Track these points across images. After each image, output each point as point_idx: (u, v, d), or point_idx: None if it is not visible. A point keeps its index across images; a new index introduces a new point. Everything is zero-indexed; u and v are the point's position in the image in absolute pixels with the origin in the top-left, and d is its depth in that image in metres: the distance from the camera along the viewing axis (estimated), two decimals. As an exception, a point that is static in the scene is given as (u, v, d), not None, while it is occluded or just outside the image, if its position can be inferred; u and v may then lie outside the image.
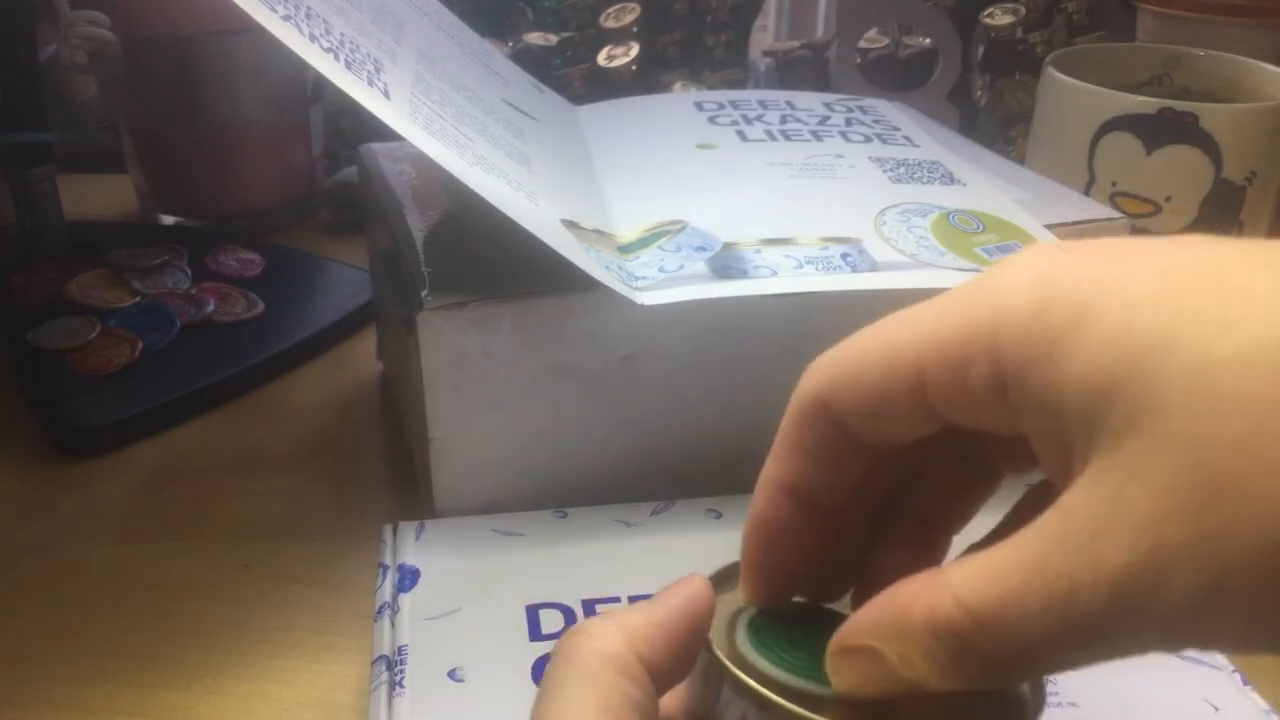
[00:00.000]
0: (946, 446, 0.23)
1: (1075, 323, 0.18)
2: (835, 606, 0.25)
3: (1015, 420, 0.20)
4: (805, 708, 0.20)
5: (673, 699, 0.24)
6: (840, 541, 0.24)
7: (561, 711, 0.21)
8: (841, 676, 0.21)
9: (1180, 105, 0.53)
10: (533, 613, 0.35)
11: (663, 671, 0.22)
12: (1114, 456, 0.17)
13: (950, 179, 0.46)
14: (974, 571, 0.19)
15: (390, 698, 0.32)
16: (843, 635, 0.21)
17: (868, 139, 0.50)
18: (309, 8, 0.37)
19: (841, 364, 0.22)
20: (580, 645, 0.22)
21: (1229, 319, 0.17)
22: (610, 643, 0.22)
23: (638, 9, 0.78)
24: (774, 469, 0.24)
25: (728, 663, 0.22)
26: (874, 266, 0.39)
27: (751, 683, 0.21)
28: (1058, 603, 0.17)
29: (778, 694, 0.21)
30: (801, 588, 0.25)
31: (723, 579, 0.24)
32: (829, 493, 0.23)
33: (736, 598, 0.24)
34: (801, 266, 0.39)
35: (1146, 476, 0.17)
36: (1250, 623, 0.16)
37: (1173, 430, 0.17)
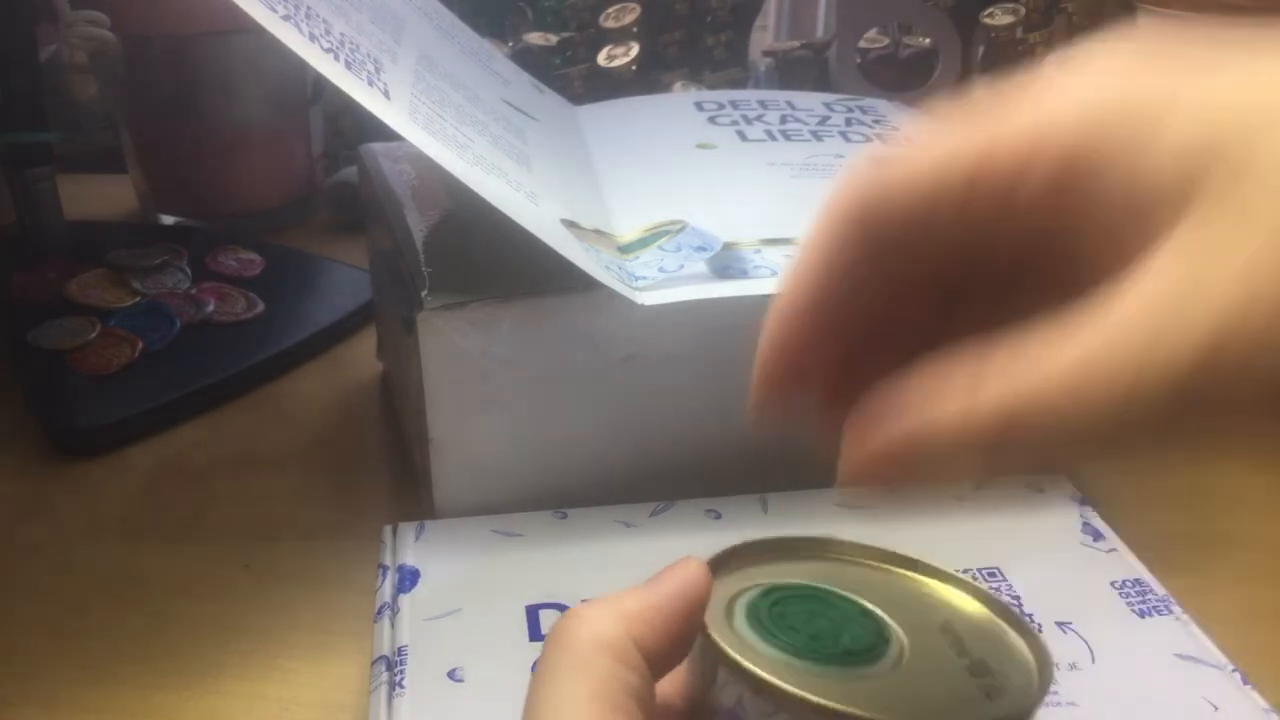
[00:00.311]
0: (972, 273, 0.22)
1: (1168, 108, 0.17)
2: (834, 588, 0.24)
3: (1073, 223, 0.19)
4: (802, 689, 0.20)
5: (671, 684, 0.23)
6: (855, 361, 0.23)
7: (554, 698, 0.21)
8: (859, 480, 0.20)
9: (1180, 105, 0.53)
10: (533, 613, 0.35)
11: (659, 655, 0.22)
12: (1222, 204, 0.16)
13: (950, 179, 0.46)
14: (1047, 349, 0.17)
15: (390, 698, 0.32)
16: (872, 437, 0.20)
17: (868, 139, 0.50)
18: (309, 8, 0.37)
19: (885, 171, 0.21)
20: (574, 630, 0.22)
21: None
22: (605, 627, 0.22)
23: (638, 9, 0.78)
24: (793, 282, 0.22)
25: (723, 644, 0.22)
26: (874, 266, 0.39)
27: (746, 664, 0.21)
28: (1161, 361, 0.16)
29: (773, 675, 0.21)
30: (812, 403, 0.23)
31: (720, 563, 0.24)
32: (846, 313, 0.22)
33: (735, 581, 0.24)
34: (801, 266, 0.39)
35: (1263, 218, 0.16)
36: None
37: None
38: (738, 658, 0.21)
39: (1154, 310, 0.17)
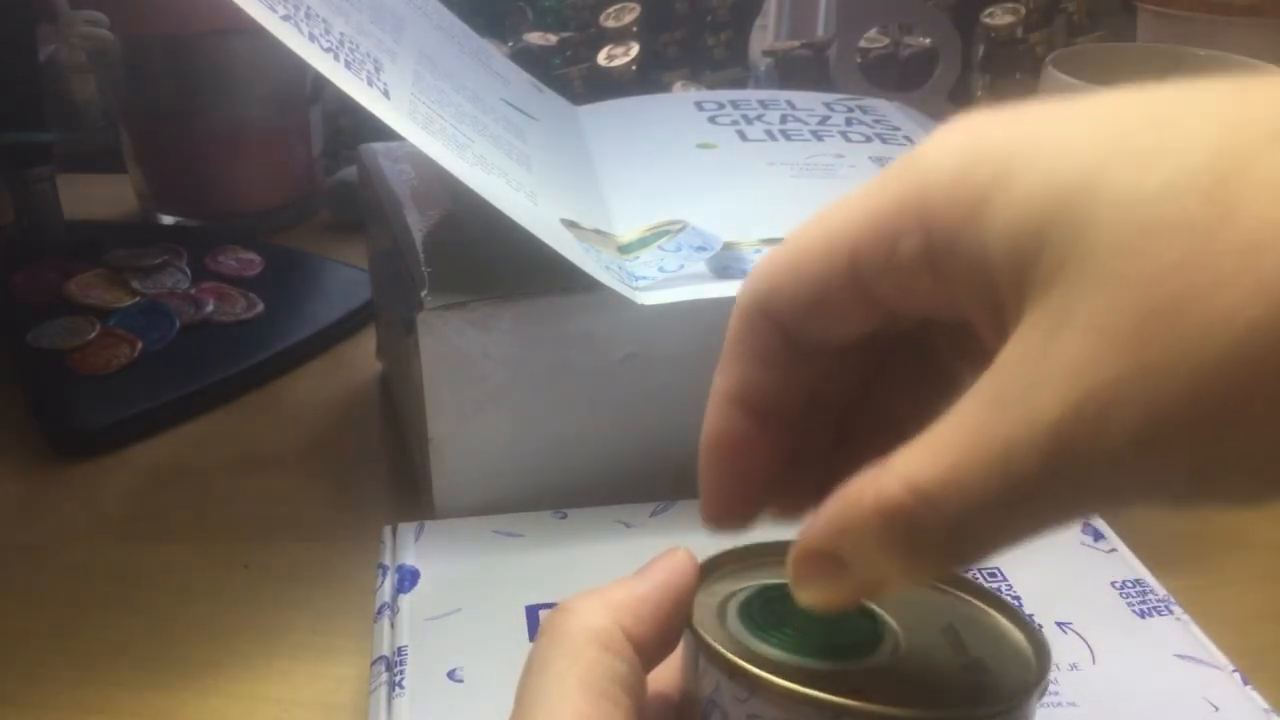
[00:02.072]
0: (899, 347, 0.23)
1: (1000, 178, 0.17)
2: None
3: (950, 294, 0.19)
4: (776, 675, 0.20)
5: (668, 680, 0.23)
6: (802, 455, 0.23)
7: (544, 686, 0.21)
8: (805, 590, 0.20)
9: (1180, 105, 0.53)
10: (532, 613, 0.35)
11: (649, 644, 0.22)
12: (1044, 305, 0.16)
13: (950, 179, 0.46)
14: (917, 451, 0.18)
15: (390, 698, 0.32)
16: (800, 542, 0.20)
17: (868, 139, 0.50)
18: (309, 7, 0.37)
19: (777, 261, 0.21)
20: (564, 622, 0.22)
21: (1157, 152, 0.16)
22: (593, 618, 0.22)
23: (638, 9, 0.78)
24: (721, 381, 0.23)
25: (702, 633, 0.22)
26: (874, 266, 0.39)
27: (721, 650, 0.21)
28: (998, 466, 0.16)
29: (748, 661, 0.21)
30: (764, 506, 0.23)
31: (714, 566, 0.24)
32: (780, 401, 0.22)
33: (732, 583, 0.24)
34: (801, 266, 0.39)
35: (1078, 319, 0.16)
36: (1196, 459, 0.15)
37: (1101, 268, 0.16)
38: (714, 644, 0.21)
39: (996, 410, 0.17)
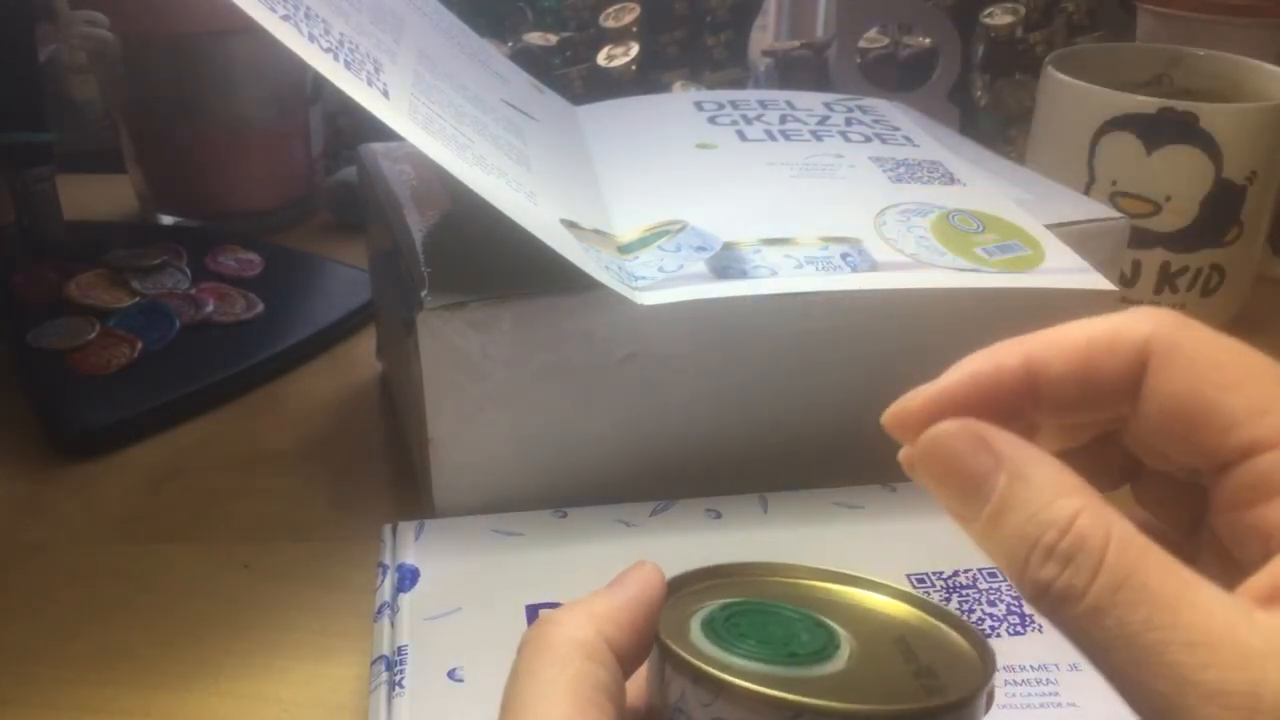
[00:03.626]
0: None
1: None
2: (790, 604, 0.25)
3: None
4: (738, 678, 0.21)
5: (634, 690, 0.24)
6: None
7: (532, 695, 0.22)
8: (924, 466, 0.21)
9: (1180, 105, 0.53)
10: (533, 613, 0.35)
11: (628, 653, 0.23)
12: None
13: (950, 179, 0.46)
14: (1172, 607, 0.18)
15: (390, 698, 0.32)
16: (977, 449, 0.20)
17: (867, 139, 0.50)
18: (308, 8, 0.37)
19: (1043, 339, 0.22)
20: (550, 633, 0.23)
21: None
22: (578, 629, 0.23)
23: (638, 9, 0.78)
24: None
25: (668, 642, 0.22)
26: (874, 266, 0.39)
27: (686, 656, 0.22)
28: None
29: (712, 666, 0.21)
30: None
31: (678, 585, 0.25)
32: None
33: (692, 600, 0.25)
34: (801, 266, 0.39)
35: None
36: None
37: None
38: (680, 652, 0.22)
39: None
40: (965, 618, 0.24)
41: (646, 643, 0.23)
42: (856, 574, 0.26)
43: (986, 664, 0.23)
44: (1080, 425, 0.23)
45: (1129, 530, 0.19)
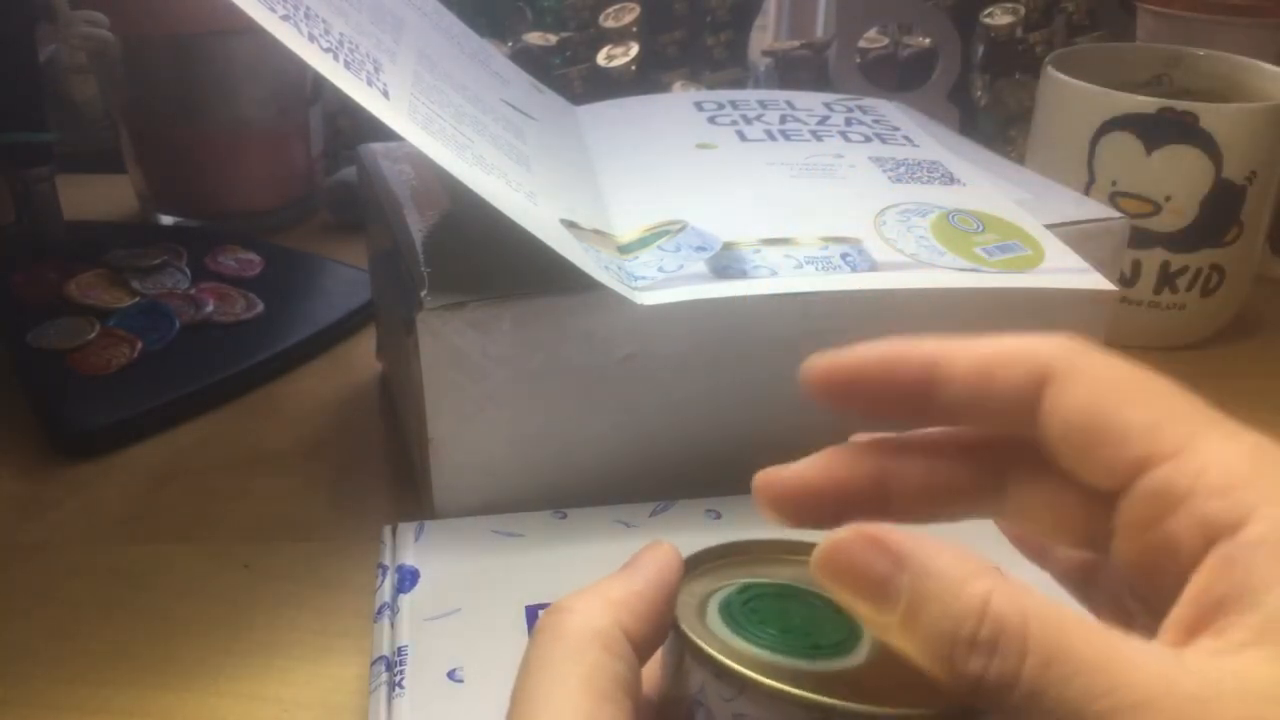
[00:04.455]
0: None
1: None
2: (810, 586, 0.24)
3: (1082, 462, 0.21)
4: (762, 674, 0.20)
5: (647, 675, 0.23)
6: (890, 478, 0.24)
7: (545, 688, 0.21)
8: (832, 579, 0.20)
9: (1180, 105, 0.53)
10: (532, 613, 0.35)
11: (644, 640, 0.22)
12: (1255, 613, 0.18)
13: (950, 179, 0.46)
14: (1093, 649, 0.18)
15: (390, 698, 0.32)
16: (865, 544, 0.20)
17: (867, 139, 0.50)
18: (308, 8, 0.37)
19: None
20: (564, 622, 0.22)
21: None
22: (594, 618, 0.22)
23: (638, 9, 0.78)
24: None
25: (688, 632, 0.22)
26: (874, 266, 0.39)
27: (708, 650, 0.21)
28: None
29: (734, 660, 0.21)
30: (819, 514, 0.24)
31: (697, 563, 0.24)
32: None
33: (711, 581, 0.24)
34: (801, 266, 0.39)
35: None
36: None
37: None
38: (700, 644, 0.21)
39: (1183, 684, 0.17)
40: None
41: (663, 628, 0.23)
42: None
43: None
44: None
45: (1042, 601, 0.19)
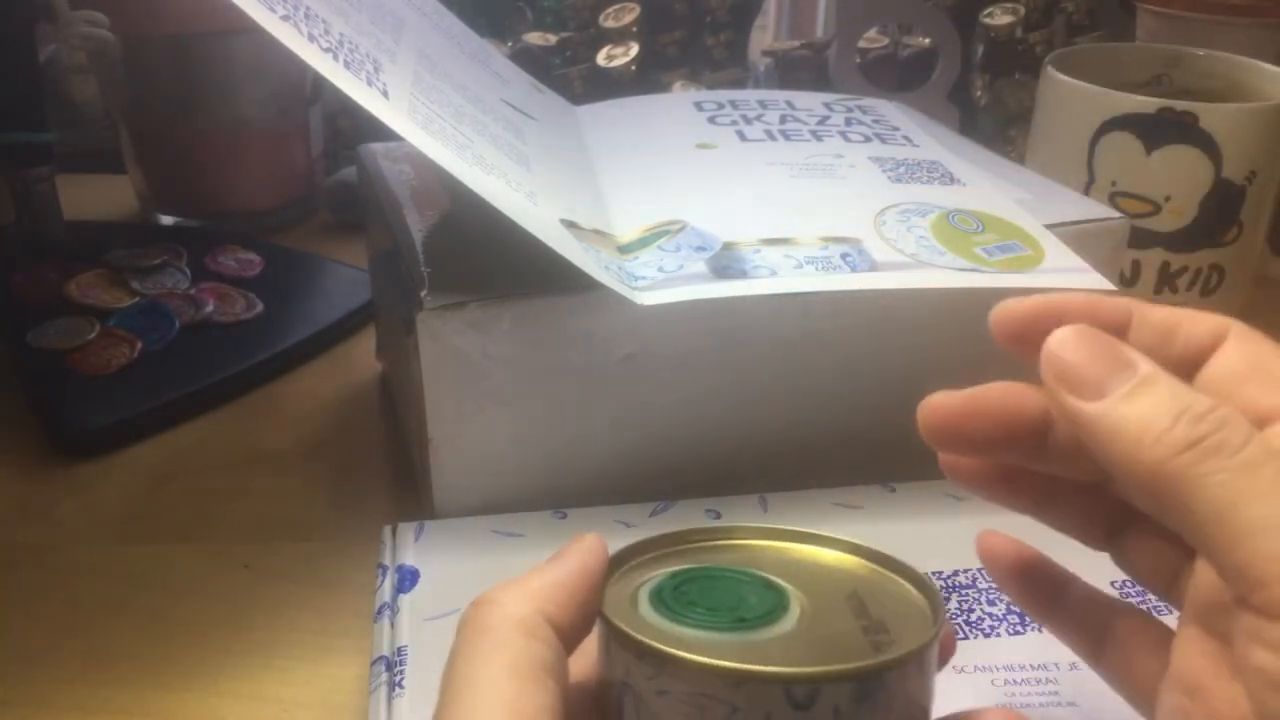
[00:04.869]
0: None
1: None
2: (738, 568, 0.25)
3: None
4: (683, 650, 0.21)
5: (583, 668, 0.24)
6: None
7: (471, 675, 0.21)
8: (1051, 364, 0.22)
9: (1180, 105, 0.53)
10: (532, 613, 0.35)
11: (569, 628, 0.23)
12: None
13: (950, 179, 0.46)
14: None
15: (390, 698, 0.32)
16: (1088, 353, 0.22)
17: (867, 139, 0.50)
18: (308, 8, 0.37)
19: None
20: (488, 613, 0.23)
21: None
22: (515, 607, 0.23)
23: (637, 9, 0.78)
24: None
25: (610, 617, 0.22)
26: (874, 266, 0.39)
27: (629, 631, 0.22)
28: None
29: (657, 640, 0.21)
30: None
31: (625, 558, 0.25)
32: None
33: (641, 572, 0.25)
34: (801, 266, 0.39)
35: None
36: None
37: None
38: (622, 626, 0.22)
39: None
40: (918, 569, 0.24)
41: (589, 617, 0.23)
42: (806, 530, 0.26)
43: (936, 615, 0.23)
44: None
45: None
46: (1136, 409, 0.21)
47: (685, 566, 0.25)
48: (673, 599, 0.23)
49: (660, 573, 0.24)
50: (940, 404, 0.25)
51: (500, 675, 0.21)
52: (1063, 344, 0.22)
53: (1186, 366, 0.23)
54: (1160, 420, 0.20)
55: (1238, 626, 0.20)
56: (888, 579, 0.24)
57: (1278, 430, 0.21)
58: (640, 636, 0.21)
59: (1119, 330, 0.24)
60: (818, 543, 0.26)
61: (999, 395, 0.25)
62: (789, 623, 0.23)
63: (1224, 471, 0.20)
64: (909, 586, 0.24)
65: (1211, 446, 0.20)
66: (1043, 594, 0.27)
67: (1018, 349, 0.24)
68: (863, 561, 0.25)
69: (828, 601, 0.23)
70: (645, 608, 0.23)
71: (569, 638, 0.23)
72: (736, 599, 0.23)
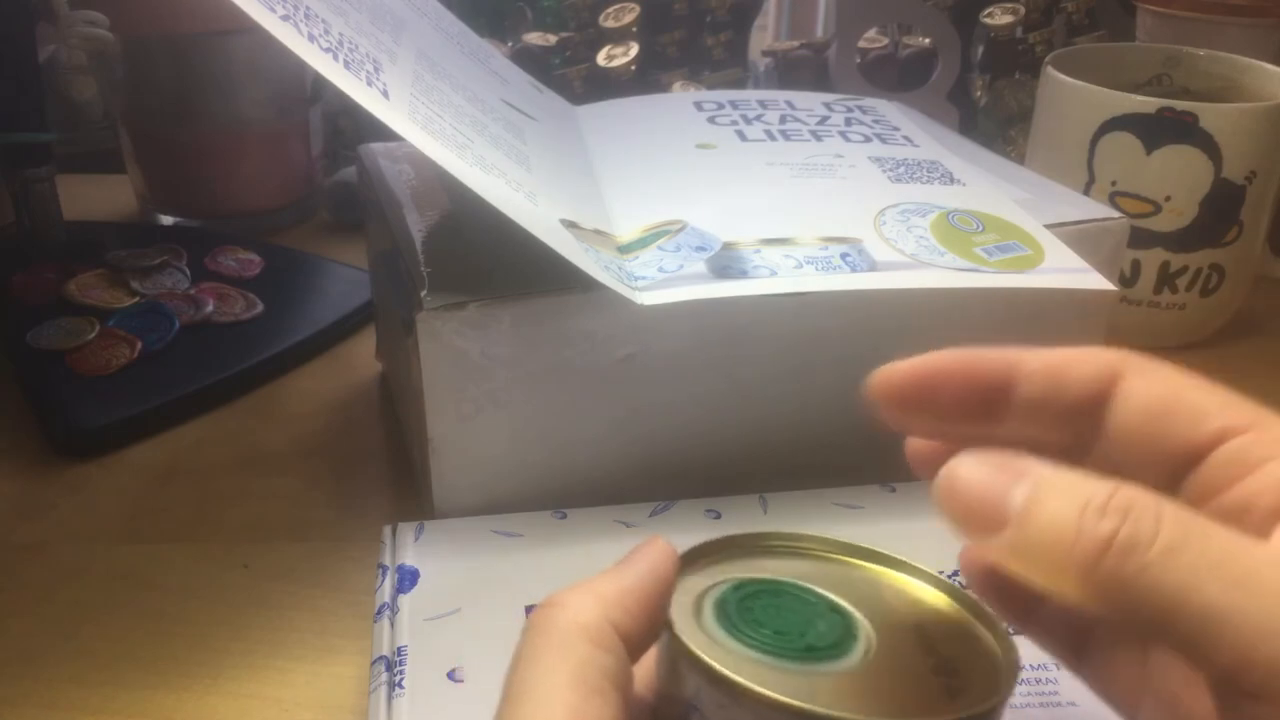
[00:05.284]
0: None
1: None
2: (805, 583, 0.24)
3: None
4: (757, 683, 0.20)
5: (642, 673, 0.23)
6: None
7: (533, 682, 0.21)
8: (952, 510, 0.21)
9: (1180, 105, 0.53)
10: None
11: (637, 636, 0.22)
12: None
13: (950, 179, 0.46)
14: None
15: (390, 698, 0.32)
16: (984, 474, 0.21)
17: (867, 139, 0.50)
18: (308, 8, 0.37)
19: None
20: (554, 617, 0.22)
21: None
22: (584, 613, 0.22)
23: (637, 9, 0.78)
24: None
25: (682, 637, 0.22)
26: (873, 266, 0.39)
27: (704, 656, 0.21)
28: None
29: (731, 669, 0.21)
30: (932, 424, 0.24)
31: (691, 559, 0.24)
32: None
33: (705, 578, 0.24)
34: (801, 266, 0.39)
35: None
36: None
37: None
38: (696, 650, 0.21)
39: None
40: (991, 611, 0.24)
41: (656, 626, 0.23)
42: (876, 549, 0.25)
43: (1010, 665, 0.22)
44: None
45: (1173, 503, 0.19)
46: (1038, 526, 0.19)
47: (749, 576, 0.24)
48: (738, 615, 0.23)
49: (723, 580, 0.24)
50: (892, 371, 0.24)
51: (563, 684, 0.21)
52: (948, 488, 0.21)
53: (1086, 410, 0.22)
54: (1066, 527, 0.19)
55: (1228, 705, 0.19)
56: (959, 615, 0.24)
57: (1220, 454, 0.21)
58: (715, 664, 0.21)
59: (1002, 385, 0.23)
60: (887, 564, 0.25)
61: (953, 355, 0.24)
62: (857, 654, 0.22)
63: (1152, 567, 0.18)
64: (981, 628, 0.23)
65: (1125, 545, 0.18)
66: (1021, 601, 0.26)
67: (900, 418, 0.24)
68: (935, 592, 0.24)
69: (896, 634, 0.23)
70: (709, 620, 0.23)
71: (635, 646, 0.22)
72: (804, 623, 0.23)
